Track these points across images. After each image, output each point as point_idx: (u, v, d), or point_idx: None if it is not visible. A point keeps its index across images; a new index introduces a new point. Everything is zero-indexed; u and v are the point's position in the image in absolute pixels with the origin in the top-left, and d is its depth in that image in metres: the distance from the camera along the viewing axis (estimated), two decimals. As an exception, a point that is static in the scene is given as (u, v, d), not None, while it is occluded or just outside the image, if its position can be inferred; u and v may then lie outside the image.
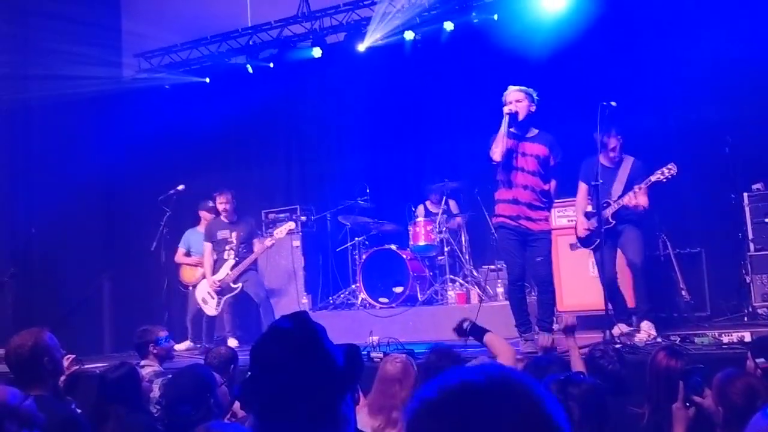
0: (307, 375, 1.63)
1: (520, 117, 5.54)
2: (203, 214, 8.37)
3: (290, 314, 1.78)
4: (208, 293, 7.59)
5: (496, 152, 5.49)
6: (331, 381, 1.66)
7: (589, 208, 6.09)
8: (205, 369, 3.52)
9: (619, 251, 6.05)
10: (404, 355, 3.93)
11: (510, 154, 5.52)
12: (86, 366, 5.33)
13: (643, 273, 5.97)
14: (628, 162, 6.04)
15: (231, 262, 7.49)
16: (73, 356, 4.52)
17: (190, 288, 8.12)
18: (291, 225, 7.76)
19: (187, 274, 8.40)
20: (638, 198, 5.76)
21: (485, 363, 1.10)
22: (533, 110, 5.62)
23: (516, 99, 5.57)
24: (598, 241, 5.80)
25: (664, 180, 5.69)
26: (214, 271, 7.60)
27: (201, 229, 8.21)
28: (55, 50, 9.15)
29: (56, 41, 9.15)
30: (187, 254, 8.41)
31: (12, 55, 8.98)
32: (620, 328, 5.63)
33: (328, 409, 1.66)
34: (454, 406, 1.00)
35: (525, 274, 5.71)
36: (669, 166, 5.68)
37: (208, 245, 7.70)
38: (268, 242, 7.48)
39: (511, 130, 5.56)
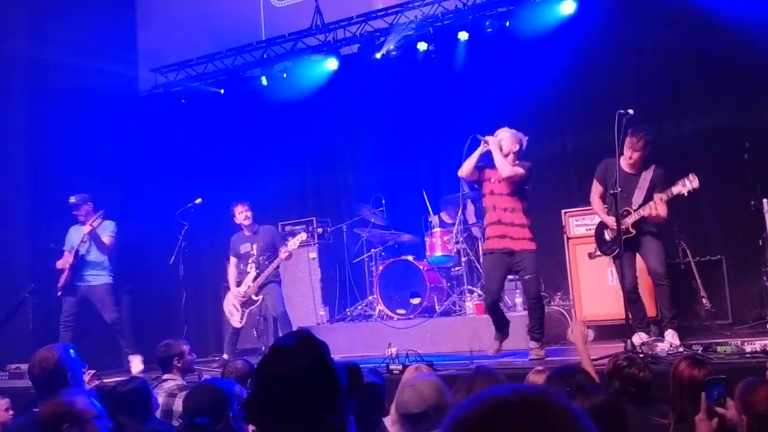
0: (311, 392, 1.63)
1: (504, 151, 6.01)
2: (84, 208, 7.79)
3: (294, 332, 1.79)
4: (234, 306, 7.64)
5: (462, 170, 6.12)
6: (334, 398, 1.65)
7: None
8: (224, 382, 3.52)
9: (639, 259, 5.98)
10: (428, 367, 3.91)
11: (488, 180, 6.07)
12: (105, 380, 5.36)
13: (666, 281, 5.88)
14: (650, 169, 5.93)
15: (252, 274, 7.53)
16: (93, 371, 4.56)
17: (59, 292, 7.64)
18: (303, 236, 7.74)
19: (62, 277, 7.69)
20: (659, 208, 5.67)
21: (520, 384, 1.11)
22: (516, 150, 6.03)
23: (501, 138, 6.07)
24: (617, 250, 5.75)
25: (686, 194, 5.60)
26: (239, 284, 7.66)
27: (84, 228, 7.68)
28: (71, 64, 9.27)
29: (72, 55, 9.27)
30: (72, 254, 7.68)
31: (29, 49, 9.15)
32: (640, 337, 5.57)
33: (331, 427, 1.66)
34: (488, 426, 1.01)
35: (499, 298, 6.27)
36: (690, 178, 5.56)
37: (233, 259, 7.76)
38: (283, 255, 7.49)
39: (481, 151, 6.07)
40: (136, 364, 7.55)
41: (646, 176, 5.88)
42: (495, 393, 1.05)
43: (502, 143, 6.02)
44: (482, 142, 6.02)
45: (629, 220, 5.77)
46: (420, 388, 2.96)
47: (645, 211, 5.70)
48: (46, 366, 3.41)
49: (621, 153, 5.77)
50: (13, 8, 9.18)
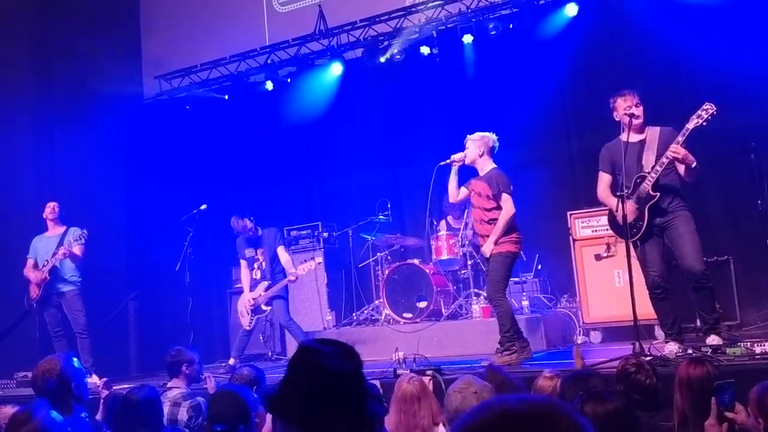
0: (348, 416, 1.63)
1: (467, 161, 6.16)
2: (45, 214, 7.75)
3: (337, 348, 1.76)
4: (245, 308, 7.68)
5: (451, 197, 6.37)
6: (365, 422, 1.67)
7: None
8: (244, 389, 3.53)
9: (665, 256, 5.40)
10: (417, 375, 3.89)
11: (471, 192, 6.18)
12: (115, 388, 5.37)
13: (706, 281, 5.20)
14: (655, 130, 5.37)
15: (265, 284, 7.54)
16: (105, 379, 4.58)
17: (35, 305, 7.63)
18: (313, 264, 7.59)
19: (33, 289, 7.64)
20: (680, 154, 5.02)
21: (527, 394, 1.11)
22: (481, 153, 6.07)
23: (466, 147, 6.18)
24: (640, 232, 5.23)
25: (704, 123, 4.98)
26: (251, 289, 7.68)
27: (49, 234, 7.74)
28: (76, 71, 9.30)
29: (77, 62, 9.30)
30: (36, 264, 7.68)
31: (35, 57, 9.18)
32: (671, 347, 5.16)
33: None
34: None
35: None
36: (705, 107, 4.98)
37: (244, 261, 7.78)
38: (291, 278, 7.45)
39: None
40: (93, 378, 7.29)
41: (653, 135, 5.37)
42: (503, 403, 1.04)
43: (466, 153, 6.14)
44: (451, 163, 6.18)
45: (647, 185, 5.21)
46: (484, 395, 2.97)
47: (671, 151, 5.04)
48: (50, 377, 3.42)
49: (622, 129, 5.40)
50: (20, 16, 9.22)
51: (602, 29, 8.05)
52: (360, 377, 1.71)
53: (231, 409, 3.16)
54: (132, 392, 3.89)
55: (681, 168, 5.24)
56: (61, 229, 7.68)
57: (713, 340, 5.12)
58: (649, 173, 5.22)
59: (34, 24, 9.35)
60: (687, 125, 5.07)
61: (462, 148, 6.23)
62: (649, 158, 5.28)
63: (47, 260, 7.48)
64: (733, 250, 7.18)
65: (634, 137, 5.41)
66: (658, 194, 5.21)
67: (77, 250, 7.48)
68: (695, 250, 5.17)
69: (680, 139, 5.08)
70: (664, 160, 5.13)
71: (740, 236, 7.36)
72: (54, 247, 7.53)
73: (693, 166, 5.10)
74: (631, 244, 5.31)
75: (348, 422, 1.64)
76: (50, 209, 7.69)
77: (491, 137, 6.13)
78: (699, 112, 5.03)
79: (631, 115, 5.30)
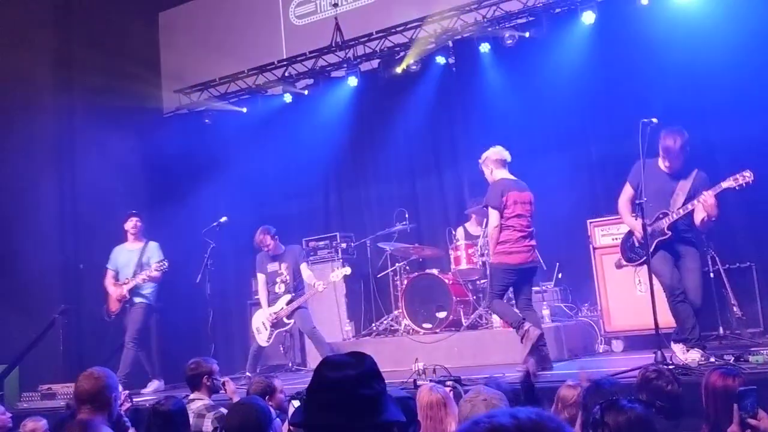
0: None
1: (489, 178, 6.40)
2: (126, 227, 8.04)
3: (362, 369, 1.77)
4: (263, 324, 7.73)
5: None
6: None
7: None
8: (259, 401, 3.54)
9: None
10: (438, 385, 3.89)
11: None
12: (136, 400, 5.41)
13: (699, 311, 5.45)
14: (692, 174, 5.50)
15: (287, 297, 7.59)
16: (127, 392, 4.63)
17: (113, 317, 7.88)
18: (347, 270, 7.77)
19: (113, 302, 7.93)
20: (710, 201, 5.18)
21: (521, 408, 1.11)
22: (486, 168, 6.36)
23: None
24: (645, 257, 5.35)
25: (737, 187, 5.15)
26: (270, 303, 7.77)
27: (129, 246, 8.00)
28: (96, 86, 9.42)
29: (97, 77, 9.42)
30: (116, 276, 7.96)
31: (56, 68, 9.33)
32: (692, 354, 5.21)
33: None
34: None
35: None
36: (744, 173, 5.15)
37: (262, 276, 7.85)
38: (320, 287, 7.49)
39: None
40: (153, 386, 7.73)
41: (689, 178, 5.48)
42: (492, 417, 1.05)
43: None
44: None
45: (665, 222, 5.38)
46: (493, 402, 2.99)
47: (699, 199, 5.21)
48: (96, 384, 3.56)
49: (657, 154, 5.50)
50: (40, 32, 9.37)
51: (619, 37, 8.02)
52: (385, 395, 1.72)
53: (247, 421, 3.17)
54: (160, 403, 3.92)
55: (698, 216, 5.38)
56: (141, 243, 7.94)
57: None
58: (672, 212, 5.39)
59: (55, 39, 9.49)
60: (721, 183, 5.22)
61: (480, 156, 6.38)
62: (677, 199, 5.43)
63: (128, 279, 7.76)
64: (755, 257, 7.11)
65: (671, 171, 5.57)
66: (670, 234, 5.40)
67: (156, 273, 7.75)
68: (699, 286, 5.46)
69: (711, 192, 5.23)
70: (690, 206, 5.30)
71: (762, 242, 7.28)
72: (135, 261, 7.83)
73: (712, 219, 5.29)
74: (637, 265, 5.66)
75: None
76: (132, 224, 7.95)
77: (493, 151, 6.31)
78: (736, 175, 5.17)
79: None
